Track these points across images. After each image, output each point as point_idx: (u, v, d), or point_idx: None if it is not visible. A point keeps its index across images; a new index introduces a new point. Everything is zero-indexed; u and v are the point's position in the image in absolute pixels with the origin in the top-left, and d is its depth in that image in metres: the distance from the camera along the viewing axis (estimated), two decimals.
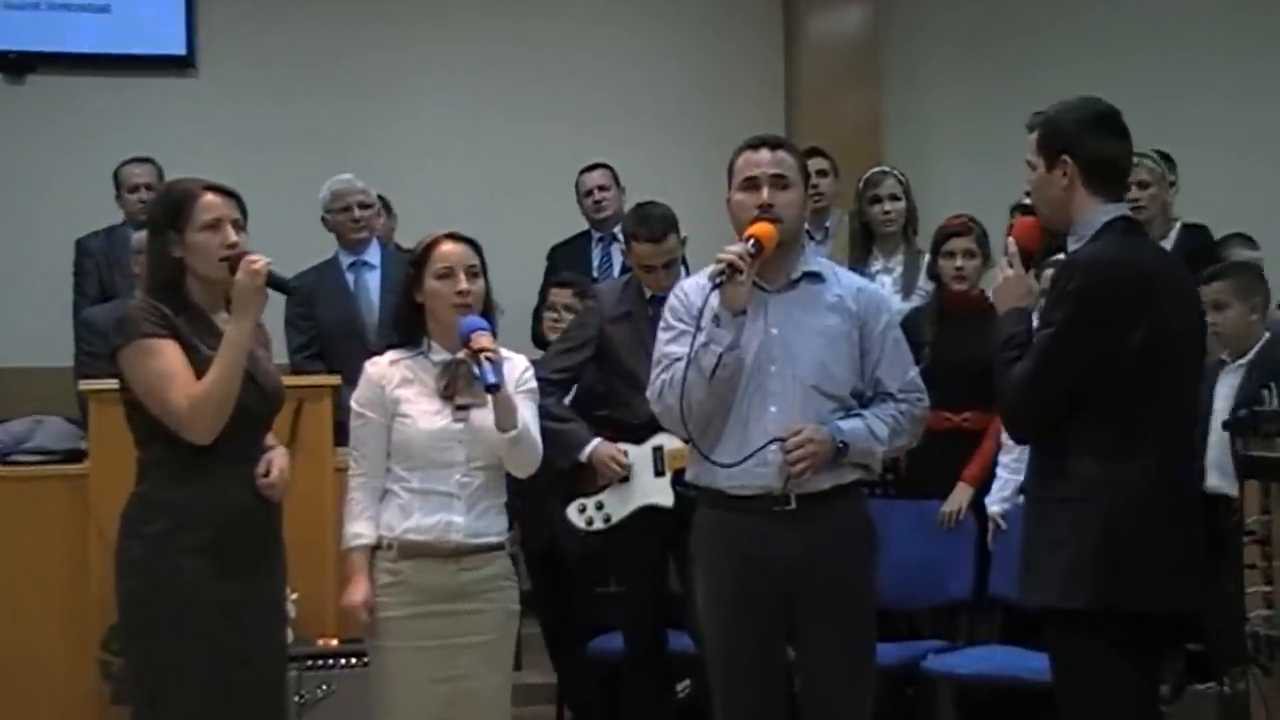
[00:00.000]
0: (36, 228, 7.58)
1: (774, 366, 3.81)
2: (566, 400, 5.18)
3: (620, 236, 7.00)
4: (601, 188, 7.11)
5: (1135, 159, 5.76)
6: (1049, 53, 8.14)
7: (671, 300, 3.96)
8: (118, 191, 6.82)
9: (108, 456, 4.50)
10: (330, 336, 6.16)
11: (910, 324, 5.47)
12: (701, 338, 3.71)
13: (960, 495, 5.29)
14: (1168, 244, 5.76)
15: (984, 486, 5.25)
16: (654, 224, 5.02)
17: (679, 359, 3.77)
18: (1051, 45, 8.20)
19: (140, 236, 5.73)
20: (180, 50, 7.89)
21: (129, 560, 3.63)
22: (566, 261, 6.97)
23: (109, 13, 7.86)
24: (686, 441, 3.92)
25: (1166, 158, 6.05)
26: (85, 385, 4.93)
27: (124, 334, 3.62)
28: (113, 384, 3.75)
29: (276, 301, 6.31)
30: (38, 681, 4.89)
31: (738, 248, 3.71)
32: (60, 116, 7.72)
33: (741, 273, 3.67)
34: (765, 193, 3.82)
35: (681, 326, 3.84)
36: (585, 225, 7.17)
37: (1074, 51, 8.06)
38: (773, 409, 3.79)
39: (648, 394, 3.91)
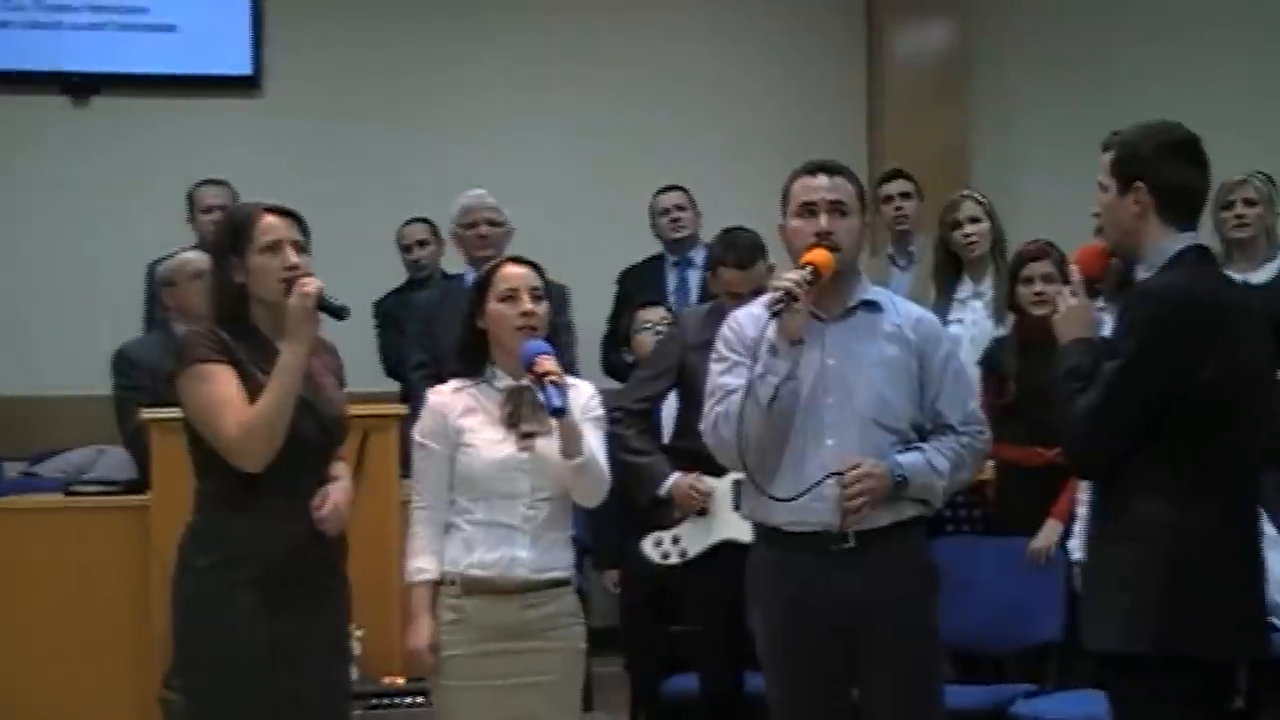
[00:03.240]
0: (101, 252, 7.69)
1: (831, 398, 3.78)
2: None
3: (696, 261, 7.05)
4: (679, 207, 7.10)
5: (1242, 178, 5.78)
6: (1142, 71, 8.09)
7: (724, 331, 3.94)
8: (191, 213, 6.89)
9: (169, 487, 4.53)
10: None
11: (992, 356, 5.45)
12: (758, 368, 3.69)
13: (1050, 532, 5.23)
14: (1272, 267, 5.73)
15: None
16: (742, 250, 5.01)
17: (733, 390, 3.75)
18: (1145, 64, 8.16)
19: (164, 267, 5.80)
20: (246, 70, 7.99)
21: (181, 594, 3.66)
22: (638, 285, 6.96)
23: (175, 33, 7.98)
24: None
25: (1271, 181, 6.00)
26: (147, 414, 4.97)
27: (180, 359, 3.65)
28: (174, 413, 3.78)
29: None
30: (98, 717, 4.93)
31: (795, 275, 3.70)
32: (126, 138, 7.83)
33: (798, 300, 3.66)
34: (823, 220, 3.80)
35: (735, 358, 3.82)
36: (656, 249, 7.18)
37: (1169, 72, 8.02)
38: (829, 442, 3.77)
39: (701, 427, 3.89)
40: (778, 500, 3.75)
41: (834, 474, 3.73)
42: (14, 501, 5.34)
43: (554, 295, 5.77)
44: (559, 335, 5.32)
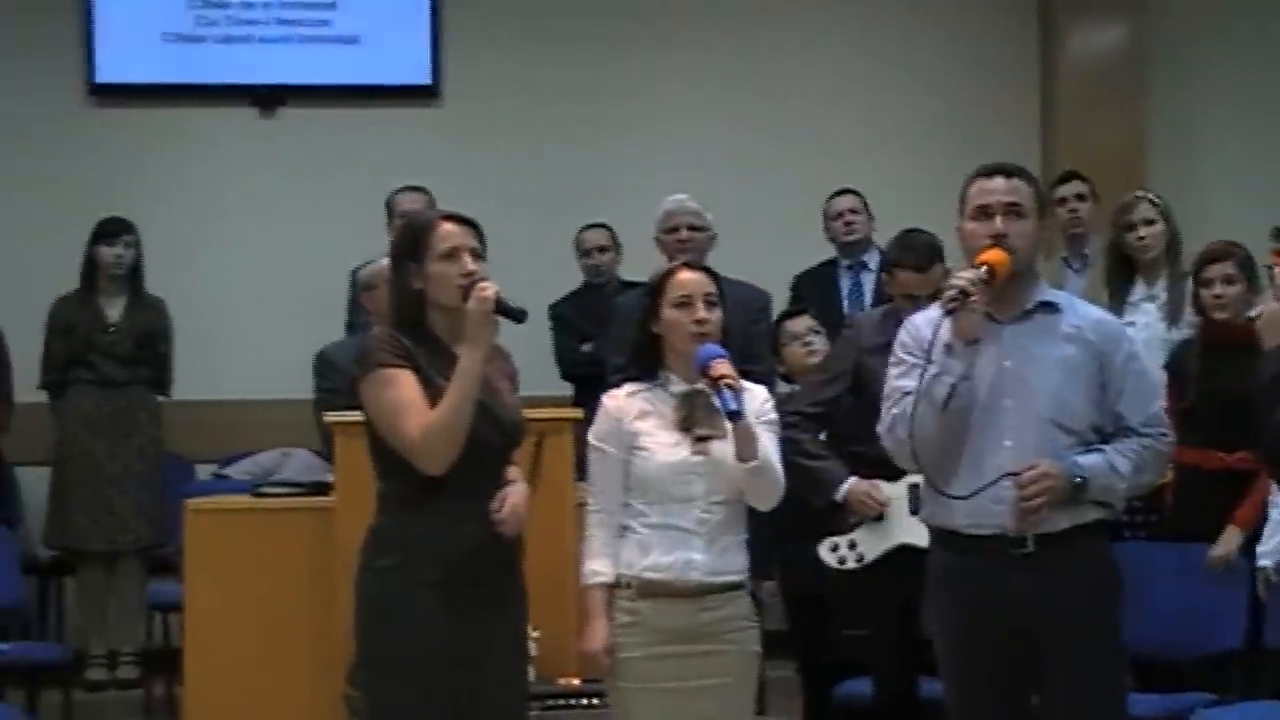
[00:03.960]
0: (288, 259, 7.84)
1: (1008, 400, 3.75)
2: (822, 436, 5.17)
3: (870, 264, 7.01)
4: (852, 210, 7.09)
5: None
6: None
7: (901, 334, 3.93)
8: (390, 219, 7.01)
9: (353, 489, 4.57)
10: None
11: (1176, 358, 5.35)
12: (933, 369, 3.67)
13: (1230, 539, 5.12)
14: None
15: (1257, 531, 5.08)
16: (920, 252, 4.99)
17: (909, 393, 3.74)
18: None
19: (366, 272, 5.92)
20: (426, 80, 8.09)
21: (363, 594, 3.72)
22: (813, 290, 6.95)
23: (358, 44, 8.09)
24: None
25: None
26: (331, 418, 5.07)
27: (363, 365, 3.71)
28: (357, 416, 3.84)
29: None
30: (284, 716, 5.02)
31: (970, 274, 3.68)
32: (310, 148, 7.97)
33: (973, 299, 3.63)
34: (999, 222, 3.76)
35: (911, 360, 3.80)
36: (828, 254, 7.15)
37: None
38: (1007, 444, 3.73)
39: (878, 429, 3.88)
40: (953, 497, 3.72)
41: (1009, 474, 3.69)
42: (204, 502, 5.45)
43: (755, 301, 5.82)
44: (753, 344, 5.34)
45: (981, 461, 3.73)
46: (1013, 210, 3.78)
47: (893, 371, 3.88)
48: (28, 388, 7.09)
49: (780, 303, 6.83)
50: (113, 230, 7.11)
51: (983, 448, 3.74)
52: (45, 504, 7.16)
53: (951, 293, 3.65)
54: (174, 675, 5.88)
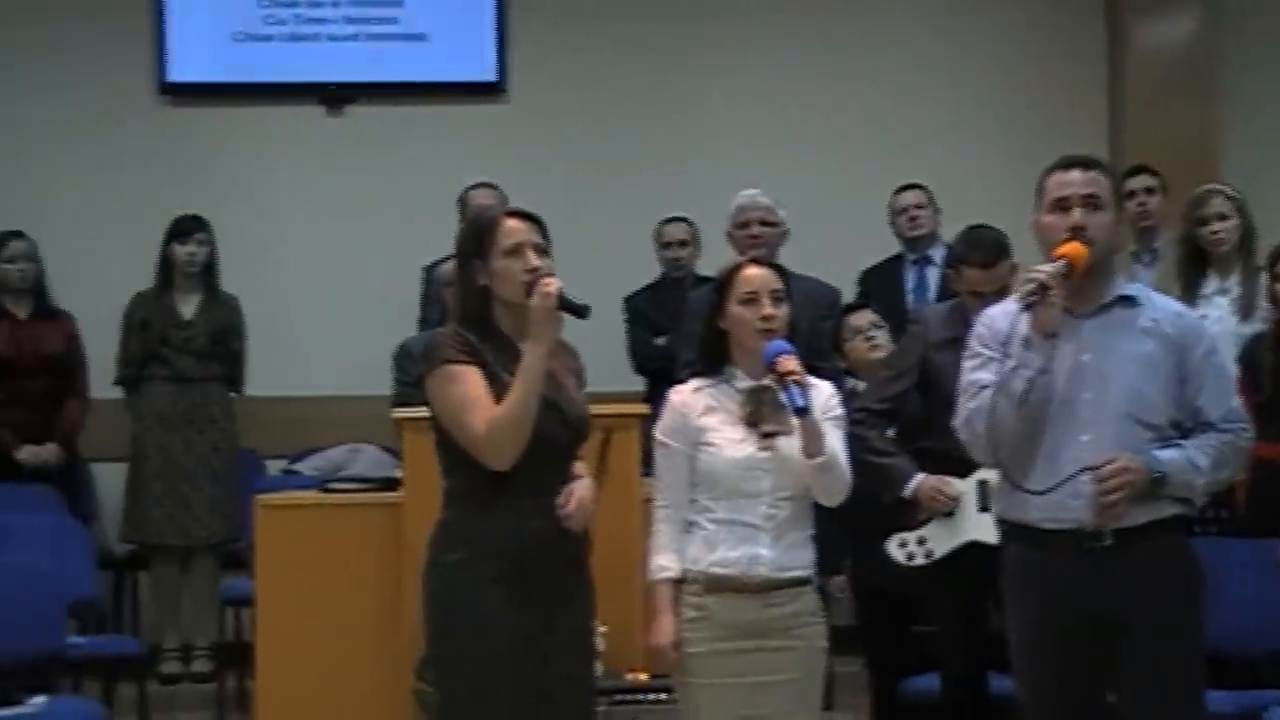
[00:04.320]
0: (356, 256, 7.88)
1: (1086, 394, 3.72)
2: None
3: (935, 259, 6.97)
4: (918, 206, 7.06)
5: None
6: None
7: (977, 327, 3.91)
8: (462, 216, 7.03)
9: (421, 485, 4.57)
10: None
11: (1249, 352, 5.29)
12: (1011, 362, 3.65)
13: None
14: None
15: None
16: (986, 248, 4.96)
17: (985, 386, 3.72)
18: None
19: (447, 268, 5.93)
20: (492, 77, 8.11)
21: (430, 589, 3.73)
22: (879, 286, 6.92)
23: (424, 41, 8.12)
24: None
25: None
26: (399, 413, 5.08)
27: (429, 361, 3.73)
28: (425, 412, 3.85)
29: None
30: (353, 711, 5.03)
31: (1049, 267, 3.65)
32: (378, 145, 8.00)
33: (1051, 292, 3.61)
34: (1076, 214, 3.74)
35: (988, 353, 3.79)
36: (895, 249, 7.11)
37: None
38: (1085, 438, 3.70)
39: (954, 423, 3.86)
40: (1032, 492, 3.69)
41: (1088, 469, 3.66)
42: (275, 498, 5.48)
43: (824, 298, 5.80)
44: (821, 340, 5.32)
45: (1058, 456, 3.70)
46: (1090, 203, 3.76)
47: (968, 364, 3.86)
48: (102, 385, 7.14)
49: (849, 299, 6.81)
50: (186, 229, 7.16)
51: (1059, 442, 3.71)
52: (120, 500, 7.22)
53: (1030, 286, 3.63)
54: (247, 669, 5.91)
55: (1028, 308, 3.63)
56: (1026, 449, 3.73)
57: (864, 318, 5.88)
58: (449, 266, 5.83)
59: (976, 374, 3.80)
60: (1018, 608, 3.84)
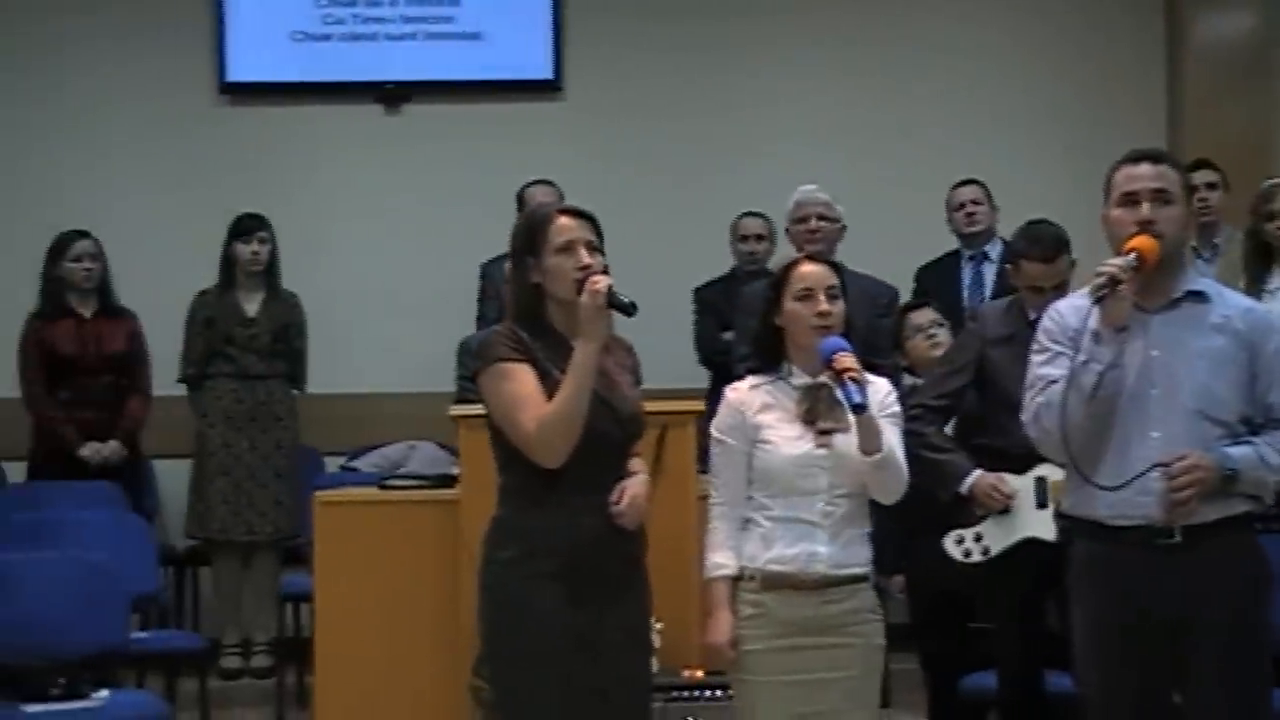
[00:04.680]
0: (414, 254, 7.90)
1: (1155, 390, 3.68)
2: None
3: (992, 255, 6.93)
4: (975, 202, 7.03)
5: None
6: None
7: (1045, 321, 3.88)
8: (520, 212, 7.04)
9: (478, 482, 4.56)
10: None
11: None
12: (1080, 356, 3.62)
13: None
14: None
15: None
16: (1046, 243, 4.94)
17: (1054, 380, 3.69)
18: None
19: (508, 265, 5.93)
20: (548, 75, 8.11)
21: (485, 586, 3.74)
22: (935, 282, 6.88)
23: (481, 40, 8.13)
24: (1063, 467, 3.83)
25: None
26: (455, 410, 5.09)
27: (482, 358, 3.74)
28: (481, 409, 3.85)
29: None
30: (411, 707, 5.05)
31: (1119, 261, 3.62)
32: (435, 144, 8.01)
33: (1122, 285, 3.58)
34: (1146, 208, 3.70)
35: (1057, 348, 3.76)
36: (951, 246, 7.08)
37: None
38: (1155, 435, 3.67)
39: (1022, 418, 3.83)
40: (1104, 488, 3.66)
41: (1159, 465, 3.62)
42: (333, 495, 5.51)
43: (881, 296, 5.77)
44: (878, 337, 5.30)
45: (1128, 452, 3.67)
46: (1160, 196, 3.72)
47: (1036, 359, 3.83)
48: (162, 382, 7.19)
49: (906, 296, 6.77)
50: (248, 227, 7.19)
51: (1129, 438, 3.68)
52: (181, 496, 7.28)
53: (1101, 280, 3.59)
54: (306, 664, 5.94)
55: (1098, 302, 3.60)
56: (1095, 444, 3.69)
57: (925, 315, 5.85)
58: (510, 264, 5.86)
59: (1045, 369, 3.77)
60: (1083, 604, 3.80)
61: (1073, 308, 3.79)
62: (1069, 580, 3.86)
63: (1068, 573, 3.86)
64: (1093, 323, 3.63)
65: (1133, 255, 3.63)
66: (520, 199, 7.09)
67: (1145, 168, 3.76)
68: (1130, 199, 3.74)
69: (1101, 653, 3.76)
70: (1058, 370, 3.71)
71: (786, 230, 6.20)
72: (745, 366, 4.85)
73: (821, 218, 6.00)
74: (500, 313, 6.77)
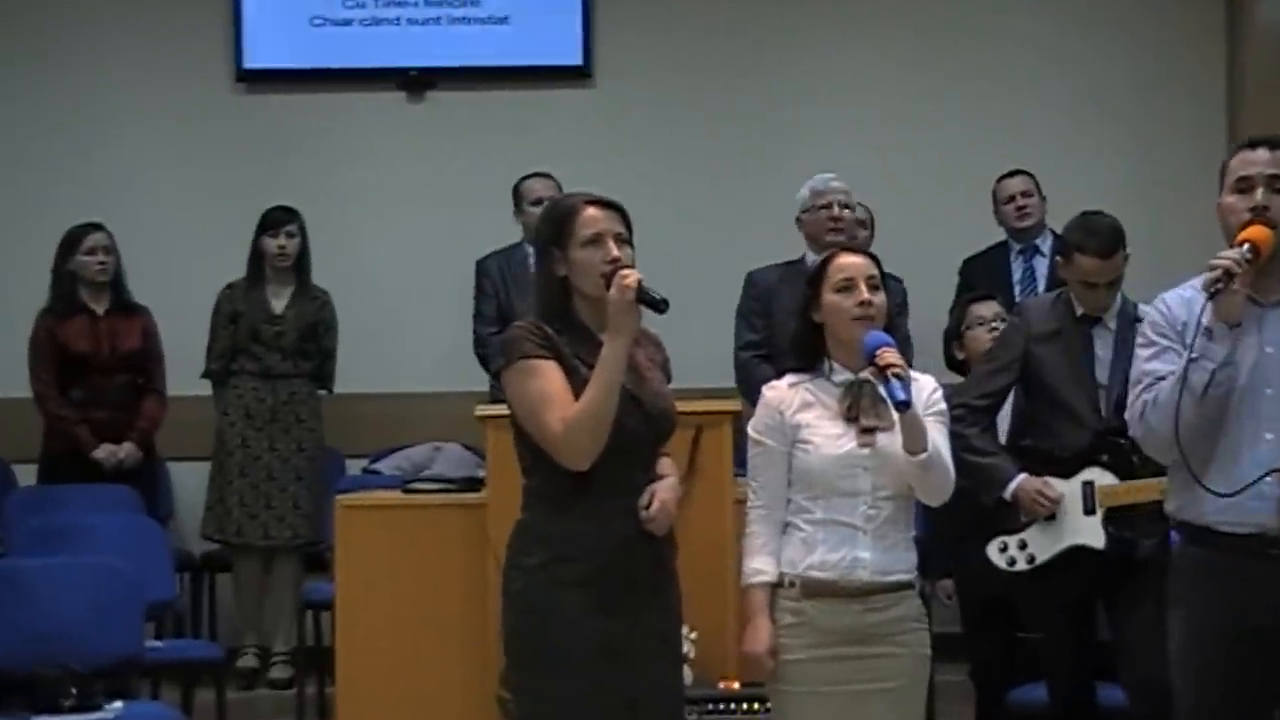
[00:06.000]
0: (433, 246, 7.88)
1: (1270, 389, 3.63)
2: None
3: (1043, 249, 6.89)
4: (1025, 194, 6.98)
5: None
6: None
7: (1151, 315, 3.81)
8: (517, 206, 7.05)
9: (505, 485, 4.56)
10: None
11: None
12: (1191, 353, 3.56)
13: None
14: None
15: None
16: (1104, 236, 4.87)
17: (1161, 377, 3.64)
18: None
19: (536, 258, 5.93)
20: (577, 61, 8.09)
21: (510, 592, 3.71)
22: (982, 275, 6.84)
23: (507, 25, 8.11)
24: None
25: None
26: (481, 411, 5.08)
27: (507, 355, 3.69)
28: (506, 409, 3.82)
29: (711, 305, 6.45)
30: (436, 718, 5.06)
31: (1232, 253, 3.56)
32: (460, 131, 8.00)
33: (1236, 279, 3.52)
34: (1259, 195, 3.65)
35: (1164, 343, 3.70)
36: (998, 237, 7.04)
37: None
38: (1269, 437, 3.61)
39: (1126, 416, 3.78)
40: (1217, 494, 3.60)
41: (1275, 471, 3.58)
42: (355, 499, 5.51)
43: (894, 296, 5.74)
44: (897, 342, 5.26)
45: (1239, 454, 3.62)
46: (1275, 183, 3.67)
47: (1142, 353, 3.77)
48: (178, 381, 7.18)
49: (945, 290, 6.75)
50: (276, 220, 7.16)
51: (1240, 439, 3.63)
52: (197, 500, 7.26)
53: (1215, 274, 3.53)
54: (327, 675, 5.94)
55: (1212, 296, 3.54)
56: (1205, 445, 3.63)
57: (990, 308, 5.82)
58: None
59: (1151, 364, 3.72)
60: (1188, 610, 3.74)
61: (1181, 300, 3.73)
62: (1172, 588, 3.81)
63: (1170, 580, 3.81)
64: (1205, 318, 3.58)
65: (1246, 246, 3.57)
66: (516, 192, 7.07)
67: (1262, 153, 3.71)
68: (1244, 185, 3.69)
69: (1202, 663, 3.70)
70: (1165, 366, 3.66)
71: (798, 220, 6.18)
72: (746, 354, 4.82)
73: (844, 205, 5.98)
74: (498, 311, 6.82)
